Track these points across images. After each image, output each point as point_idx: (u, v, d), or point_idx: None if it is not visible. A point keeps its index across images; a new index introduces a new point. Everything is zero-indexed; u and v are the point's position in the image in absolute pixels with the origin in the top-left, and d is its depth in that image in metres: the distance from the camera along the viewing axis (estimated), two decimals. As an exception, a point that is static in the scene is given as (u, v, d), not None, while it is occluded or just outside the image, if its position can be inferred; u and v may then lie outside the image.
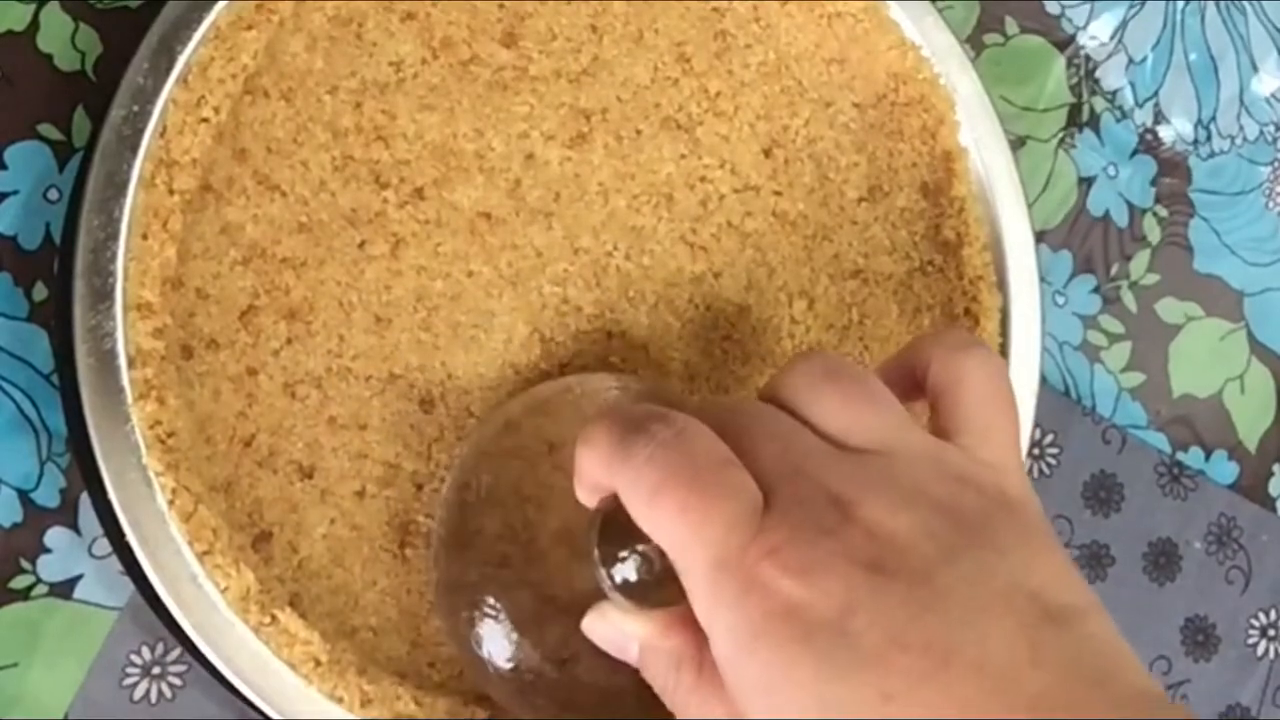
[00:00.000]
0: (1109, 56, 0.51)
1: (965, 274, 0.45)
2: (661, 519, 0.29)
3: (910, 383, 0.34)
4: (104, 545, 0.39)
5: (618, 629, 0.33)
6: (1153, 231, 0.52)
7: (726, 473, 0.30)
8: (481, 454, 0.39)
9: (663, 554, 0.30)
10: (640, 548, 0.31)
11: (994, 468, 0.31)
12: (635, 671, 0.33)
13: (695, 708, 0.31)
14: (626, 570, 0.31)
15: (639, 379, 0.42)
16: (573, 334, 0.42)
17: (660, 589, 0.31)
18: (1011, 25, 0.50)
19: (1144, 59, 0.52)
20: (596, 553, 0.32)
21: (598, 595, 0.33)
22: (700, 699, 0.31)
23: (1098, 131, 0.51)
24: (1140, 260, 0.51)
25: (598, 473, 0.31)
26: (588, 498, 0.32)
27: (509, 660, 0.37)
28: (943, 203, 0.45)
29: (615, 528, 0.31)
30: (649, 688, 0.33)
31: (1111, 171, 0.51)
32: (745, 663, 0.28)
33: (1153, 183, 0.52)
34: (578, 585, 0.34)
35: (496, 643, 0.37)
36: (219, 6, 0.39)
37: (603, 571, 0.32)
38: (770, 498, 0.29)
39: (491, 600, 0.37)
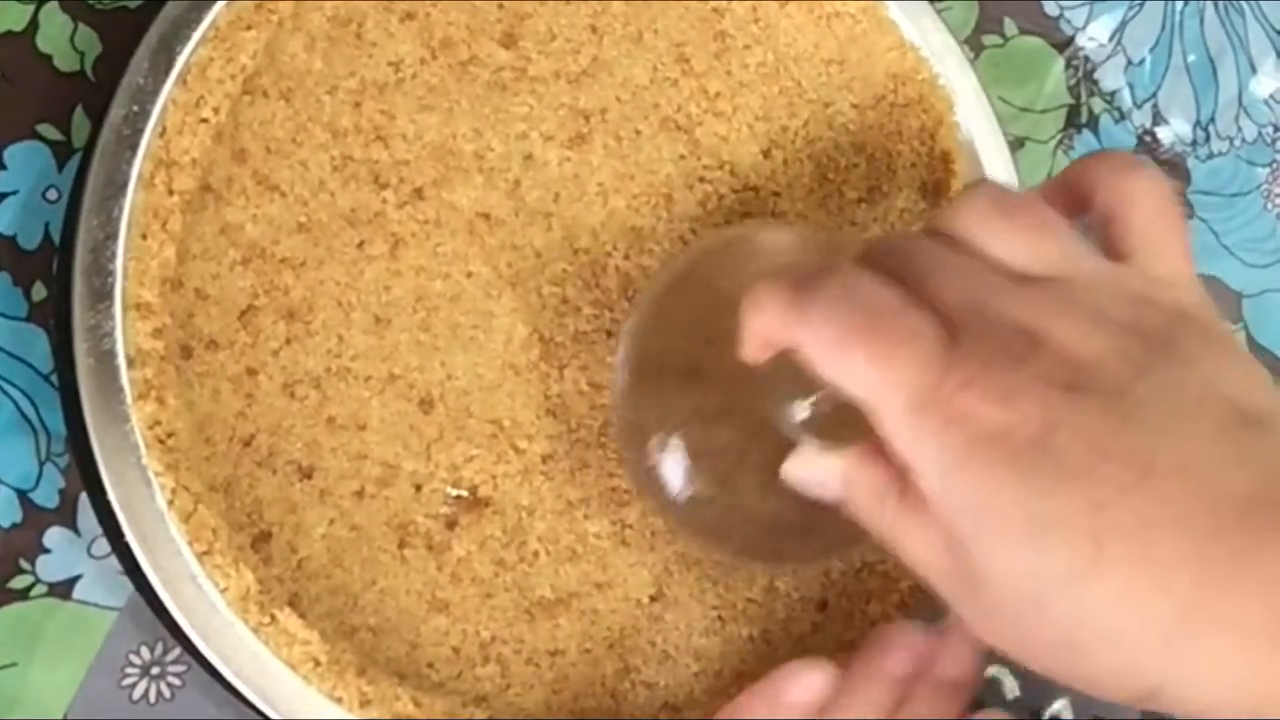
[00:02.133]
0: (1108, 58, 0.51)
1: (964, 275, 0.45)
2: (849, 370, 0.30)
3: (1073, 205, 0.34)
4: (103, 545, 0.39)
5: (818, 466, 0.34)
6: (1151, 232, 0.52)
7: (905, 316, 0.30)
8: (664, 294, 0.39)
9: (837, 395, 0.31)
10: (820, 392, 0.32)
11: (1170, 284, 0.32)
12: (806, 514, 0.34)
13: (903, 534, 0.32)
14: (811, 410, 0.32)
15: (805, 226, 0.43)
16: (572, 334, 0.42)
17: (847, 425, 0.32)
18: (1010, 26, 0.50)
19: (1143, 60, 0.52)
20: (781, 397, 0.33)
21: (779, 436, 0.34)
22: (908, 523, 0.31)
23: (1096, 133, 0.51)
24: (1139, 261, 0.51)
25: (771, 332, 0.32)
26: (757, 355, 0.33)
27: (690, 496, 0.38)
28: (942, 203, 0.45)
29: (794, 371, 0.32)
30: (816, 526, 0.34)
31: (1110, 172, 0.51)
32: (954, 491, 0.29)
33: (1151, 183, 0.52)
34: (758, 425, 0.35)
35: (678, 480, 0.38)
36: (218, 6, 0.39)
37: (788, 415, 0.33)
38: (957, 334, 0.30)
39: (675, 440, 0.38)
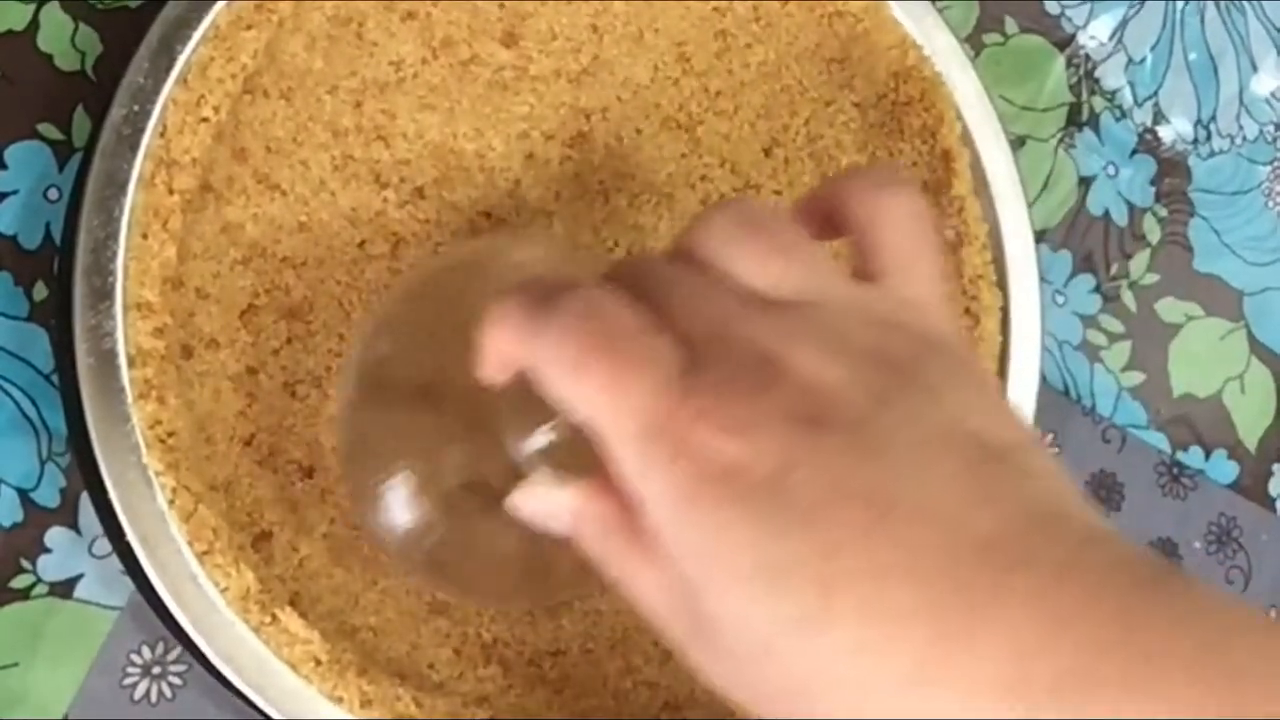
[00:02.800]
0: (1109, 56, 0.51)
1: (965, 273, 0.45)
2: (581, 393, 0.28)
3: (826, 224, 0.33)
4: (104, 545, 0.39)
5: (547, 499, 0.31)
6: (1152, 231, 0.52)
7: (645, 339, 0.28)
8: (402, 304, 0.38)
9: (571, 423, 0.30)
10: (555, 419, 0.30)
11: (919, 307, 0.31)
12: (537, 548, 0.33)
13: (631, 573, 0.30)
14: (545, 439, 0.31)
15: (556, 239, 0.41)
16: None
17: (582, 457, 0.30)
18: (1011, 25, 0.50)
19: (1143, 59, 0.52)
20: (514, 424, 0.31)
21: (510, 465, 0.32)
22: (637, 563, 0.30)
23: (1097, 131, 0.51)
24: (1140, 260, 0.51)
25: (508, 349, 0.30)
26: (495, 374, 0.31)
27: (411, 523, 0.36)
28: (942, 202, 0.45)
29: (530, 398, 0.30)
30: (547, 563, 0.33)
31: (1111, 171, 0.51)
32: (682, 529, 0.27)
33: (1152, 182, 0.52)
34: (489, 455, 0.33)
35: (401, 511, 0.36)
36: (218, 6, 0.39)
37: (521, 442, 0.31)
38: (696, 360, 0.28)
39: (400, 467, 0.36)
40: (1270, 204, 0.53)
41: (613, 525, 0.30)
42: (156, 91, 0.38)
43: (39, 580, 0.40)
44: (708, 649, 0.28)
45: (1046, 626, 0.26)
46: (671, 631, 0.30)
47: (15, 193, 0.40)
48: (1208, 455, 0.52)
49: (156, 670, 0.40)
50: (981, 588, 0.26)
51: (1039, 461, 0.28)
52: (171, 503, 0.37)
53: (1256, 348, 0.53)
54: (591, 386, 0.28)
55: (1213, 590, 0.27)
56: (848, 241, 0.32)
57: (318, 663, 0.38)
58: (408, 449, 0.36)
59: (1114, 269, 0.51)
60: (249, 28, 0.39)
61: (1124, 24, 0.52)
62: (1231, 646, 0.25)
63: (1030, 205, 0.47)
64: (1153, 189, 0.52)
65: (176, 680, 0.40)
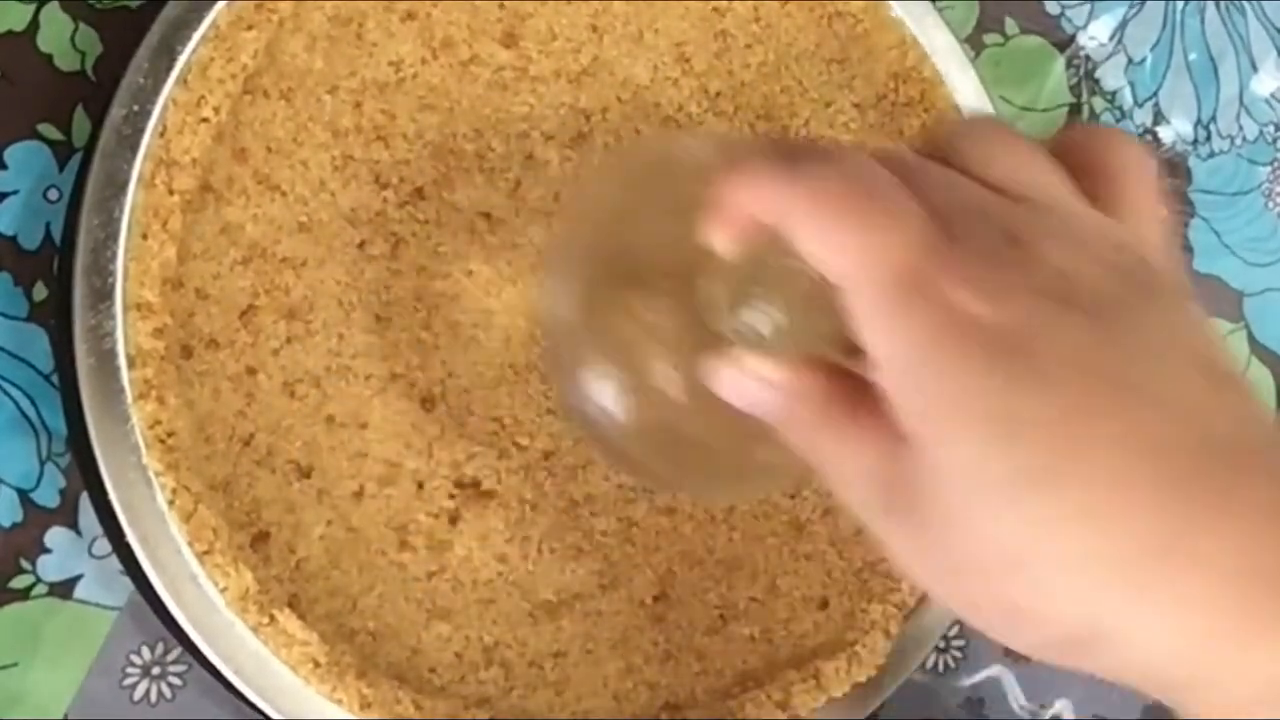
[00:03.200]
0: (1109, 57, 0.51)
1: (965, 273, 0.45)
2: (836, 236, 0.28)
3: (1066, 162, 0.33)
4: (104, 545, 0.39)
5: (751, 375, 0.31)
6: (1153, 232, 0.52)
7: (900, 196, 0.29)
8: (594, 208, 0.38)
9: (811, 297, 0.29)
10: (774, 293, 0.30)
11: (1150, 244, 0.31)
12: (722, 432, 0.33)
13: (838, 452, 0.30)
14: (766, 315, 0.31)
15: (739, 135, 0.42)
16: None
17: (802, 335, 0.30)
18: (1011, 25, 0.50)
19: (1143, 59, 0.52)
20: (735, 297, 0.31)
21: (714, 348, 0.32)
22: (841, 443, 0.30)
23: (1097, 132, 0.51)
24: (1140, 260, 0.51)
25: (754, 200, 0.30)
26: (728, 236, 0.31)
27: (620, 415, 0.36)
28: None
29: (755, 271, 0.30)
30: (736, 450, 0.33)
31: (1111, 172, 0.51)
32: (925, 373, 0.27)
33: (1152, 183, 0.52)
34: (694, 341, 0.33)
35: (611, 400, 0.36)
36: (219, 6, 0.39)
37: (742, 318, 0.31)
38: (949, 230, 0.28)
39: (604, 362, 0.36)
40: (1270, 205, 0.53)
41: (830, 396, 0.30)
42: (156, 92, 0.38)
43: (39, 580, 0.40)
44: (911, 518, 0.28)
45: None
46: (871, 506, 0.29)
47: (15, 193, 0.40)
48: (1208, 456, 0.52)
49: (156, 670, 0.40)
50: (1219, 478, 0.26)
51: (1255, 392, 0.29)
52: (171, 503, 0.37)
53: (1257, 349, 0.52)
54: (844, 232, 0.28)
55: None
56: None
57: (316, 664, 0.38)
58: (614, 335, 0.36)
59: (1114, 270, 0.51)
60: (249, 28, 0.39)
61: (1124, 25, 0.52)
62: None
63: (1030, 206, 0.47)
64: (1153, 190, 0.52)
65: (176, 680, 0.40)
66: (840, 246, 0.28)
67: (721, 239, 0.31)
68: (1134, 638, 0.26)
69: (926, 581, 0.29)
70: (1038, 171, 0.31)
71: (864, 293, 0.28)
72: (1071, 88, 0.51)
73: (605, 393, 0.35)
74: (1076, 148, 0.33)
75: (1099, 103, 0.51)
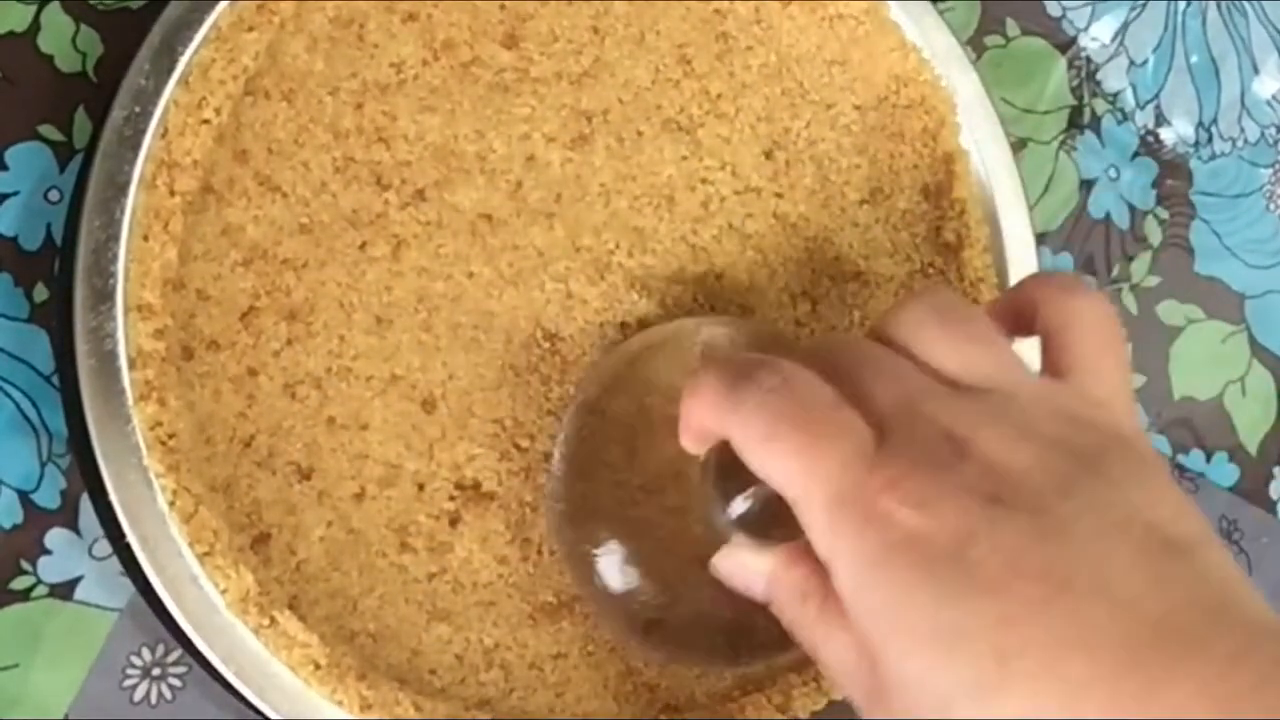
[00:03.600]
0: (1110, 58, 0.51)
1: (966, 276, 0.45)
2: (776, 462, 0.30)
3: (1017, 323, 0.34)
4: (104, 546, 0.39)
5: (744, 565, 0.34)
6: (1154, 233, 0.52)
7: (837, 413, 0.30)
8: (603, 389, 0.40)
9: (775, 494, 0.31)
10: (754, 488, 0.32)
11: (1105, 405, 0.32)
12: (739, 610, 0.34)
13: (821, 638, 0.32)
14: (744, 507, 0.33)
15: (746, 321, 0.43)
16: (579, 327, 0.42)
17: (779, 524, 0.32)
18: (1013, 27, 0.50)
19: (1145, 61, 0.52)
20: (714, 493, 0.33)
21: (712, 532, 0.34)
22: (824, 630, 0.31)
23: (1099, 134, 0.51)
24: (1141, 262, 0.51)
25: (707, 421, 0.32)
26: (695, 445, 0.34)
27: (625, 592, 0.38)
28: (944, 205, 0.45)
29: (729, 468, 0.32)
30: (748, 625, 0.35)
31: (1112, 174, 0.51)
32: (866, 592, 0.29)
33: (1154, 185, 0.52)
34: (692, 522, 0.35)
35: (614, 575, 0.38)
36: (220, 7, 0.39)
37: (721, 510, 0.33)
38: (884, 435, 0.30)
39: (611, 535, 0.38)
40: (1271, 207, 0.53)
41: (806, 591, 0.32)
42: (158, 93, 0.38)
43: (39, 582, 0.40)
44: (888, 712, 0.30)
45: (1217, 706, 0.26)
46: (854, 694, 0.31)
47: (16, 194, 0.40)
48: (1208, 458, 0.52)
49: (156, 672, 0.40)
50: (1156, 666, 0.27)
51: (1215, 555, 0.29)
52: (172, 504, 0.37)
53: (1258, 350, 0.52)
54: (784, 456, 0.30)
55: None
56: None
57: (317, 666, 0.38)
58: (617, 518, 0.38)
59: (1115, 271, 0.51)
60: (250, 29, 0.39)
61: (1125, 26, 0.52)
62: None
63: (1031, 208, 0.47)
64: (1154, 191, 0.52)
65: (176, 682, 0.40)
66: (782, 471, 0.30)
67: (689, 446, 0.34)
68: None
69: None
70: (980, 352, 0.32)
71: (809, 510, 0.30)
72: (1073, 89, 0.51)
73: (616, 576, 0.38)
74: (1031, 304, 0.34)
75: (1100, 104, 0.51)
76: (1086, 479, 0.29)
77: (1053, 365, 0.33)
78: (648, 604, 0.38)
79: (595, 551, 0.38)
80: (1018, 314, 0.34)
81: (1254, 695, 0.27)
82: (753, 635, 0.38)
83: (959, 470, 0.29)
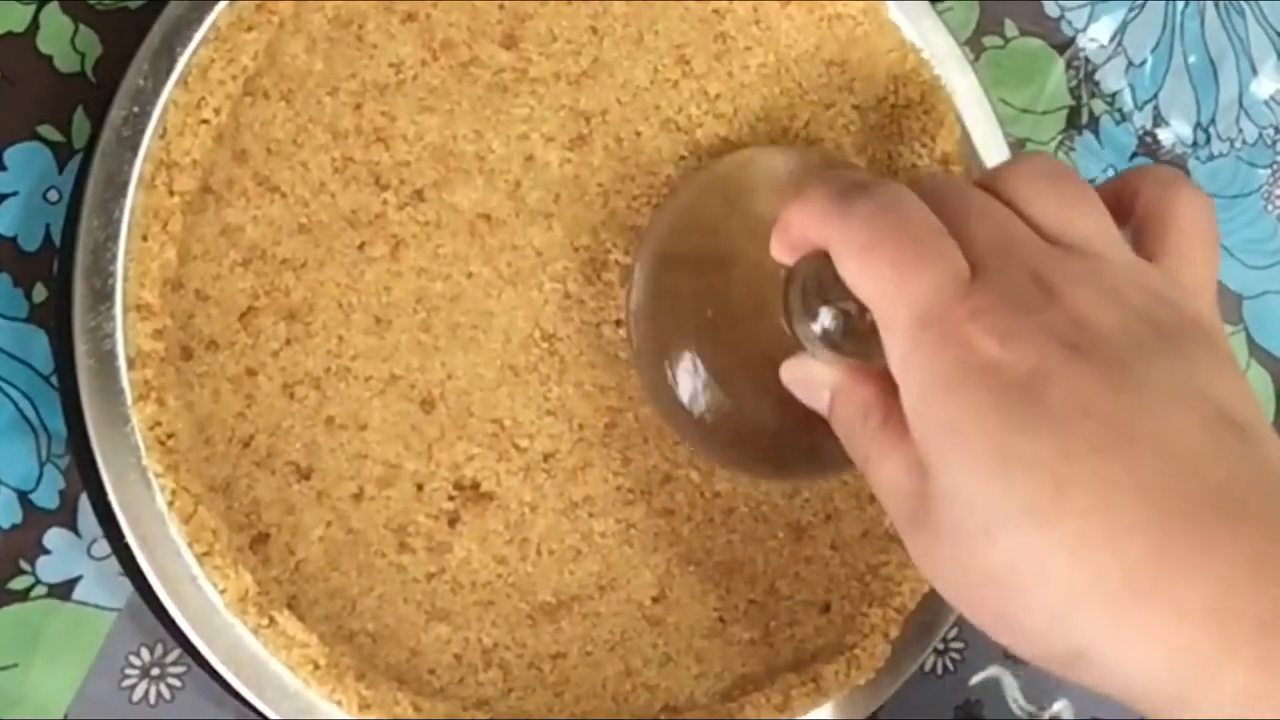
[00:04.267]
0: (1108, 59, 0.51)
1: (965, 275, 0.45)
2: (872, 272, 0.31)
3: (1116, 209, 0.35)
4: (103, 546, 0.39)
5: (814, 375, 0.35)
6: (1152, 234, 0.52)
7: (939, 239, 0.31)
8: (675, 222, 0.41)
9: (861, 310, 0.32)
10: (840, 303, 0.33)
11: (1191, 291, 0.33)
12: (807, 426, 0.35)
13: (876, 453, 0.32)
14: (826, 321, 0.34)
15: (814, 150, 0.44)
16: (576, 327, 0.42)
17: (855, 342, 0.33)
18: (1011, 27, 0.50)
19: (1143, 61, 0.52)
20: (797, 305, 0.34)
21: (785, 353, 0.36)
22: (880, 446, 0.32)
23: (1097, 134, 0.51)
24: (1140, 262, 0.51)
25: (810, 228, 0.33)
26: (788, 254, 0.34)
27: (704, 408, 0.39)
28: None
29: (814, 283, 0.34)
30: (816, 443, 0.35)
31: (1111, 174, 0.51)
32: (935, 409, 0.30)
33: (1152, 185, 0.52)
34: (766, 343, 0.36)
35: (692, 391, 0.39)
36: (219, 7, 0.39)
37: (804, 322, 0.34)
38: (978, 271, 0.31)
39: (689, 354, 0.39)
40: (1269, 207, 0.53)
41: (870, 407, 0.33)
42: (157, 93, 0.38)
43: (38, 582, 0.40)
44: (929, 531, 0.31)
45: (1261, 574, 0.27)
46: (898, 514, 0.32)
47: (15, 194, 0.40)
48: (1207, 458, 0.52)
49: (155, 672, 0.40)
50: (1204, 523, 0.28)
51: (1268, 440, 0.30)
52: (171, 504, 0.37)
53: (1256, 351, 0.52)
54: (881, 268, 0.31)
55: None
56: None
57: (316, 666, 0.38)
58: (695, 326, 0.39)
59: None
60: (249, 29, 0.39)
61: (1124, 27, 0.52)
62: None
63: (1030, 208, 0.46)
64: (1152, 192, 0.52)
65: (175, 682, 0.40)
66: (875, 283, 0.31)
67: (783, 254, 0.35)
68: (1112, 662, 0.29)
69: (941, 589, 0.32)
70: (1082, 214, 0.33)
71: (892, 327, 0.31)
72: (1071, 90, 0.51)
73: (687, 382, 0.39)
74: (1132, 192, 0.35)
75: (1099, 105, 0.51)
76: (1164, 349, 0.30)
77: (1147, 249, 0.34)
78: (725, 419, 0.39)
79: (670, 357, 0.39)
80: (1118, 200, 0.35)
81: None
82: (818, 454, 0.38)
83: (1045, 314, 0.30)
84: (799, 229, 0.34)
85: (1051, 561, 0.28)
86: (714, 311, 0.39)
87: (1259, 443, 0.30)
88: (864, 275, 0.31)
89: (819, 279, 0.34)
